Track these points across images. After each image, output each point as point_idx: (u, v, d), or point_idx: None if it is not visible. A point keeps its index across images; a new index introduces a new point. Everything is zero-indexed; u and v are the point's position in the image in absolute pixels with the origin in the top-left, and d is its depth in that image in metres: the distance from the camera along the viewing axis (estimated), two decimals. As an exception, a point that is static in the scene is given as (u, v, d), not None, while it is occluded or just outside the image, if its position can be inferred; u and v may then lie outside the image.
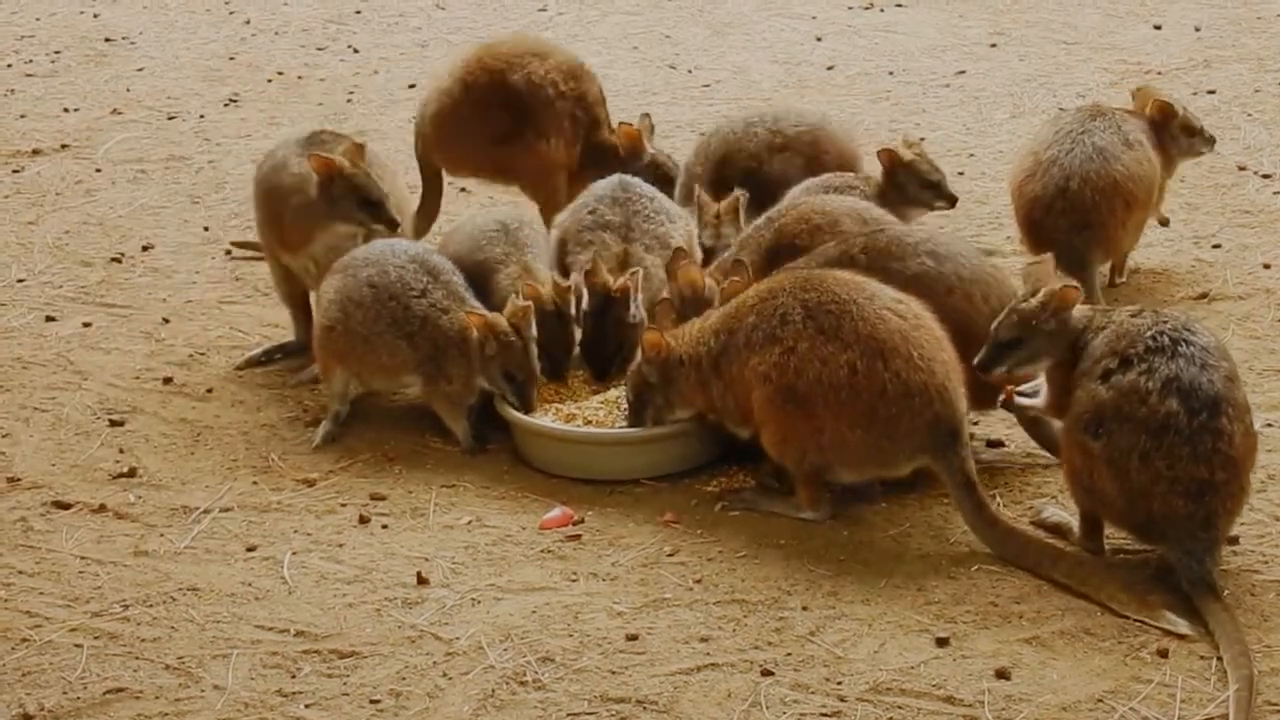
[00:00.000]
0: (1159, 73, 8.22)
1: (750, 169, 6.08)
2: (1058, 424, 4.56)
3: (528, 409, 5.01)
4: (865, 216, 5.26)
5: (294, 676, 4.06)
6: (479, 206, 6.74)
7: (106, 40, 9.52)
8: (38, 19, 9.97)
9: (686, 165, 6.30)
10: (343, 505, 4.84)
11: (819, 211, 5.29)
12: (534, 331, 5.07)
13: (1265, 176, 6.93)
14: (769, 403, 4.57)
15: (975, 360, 4.50)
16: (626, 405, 4.97)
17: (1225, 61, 8.40)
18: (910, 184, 5.83)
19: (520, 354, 5.00)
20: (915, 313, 4.58)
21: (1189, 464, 4.14)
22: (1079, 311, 4.43)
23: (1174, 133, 6.06)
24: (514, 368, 5.01)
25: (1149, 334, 4.26)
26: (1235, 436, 4.16)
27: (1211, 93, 7.91)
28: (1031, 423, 4.85)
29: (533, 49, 6.48)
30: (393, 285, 5.13)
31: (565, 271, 5.44)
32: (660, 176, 6.35)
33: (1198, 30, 8.91)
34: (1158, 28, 9.00)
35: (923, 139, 6.90)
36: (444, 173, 6.49)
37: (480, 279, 5.33)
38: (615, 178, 5.69)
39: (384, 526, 4.73)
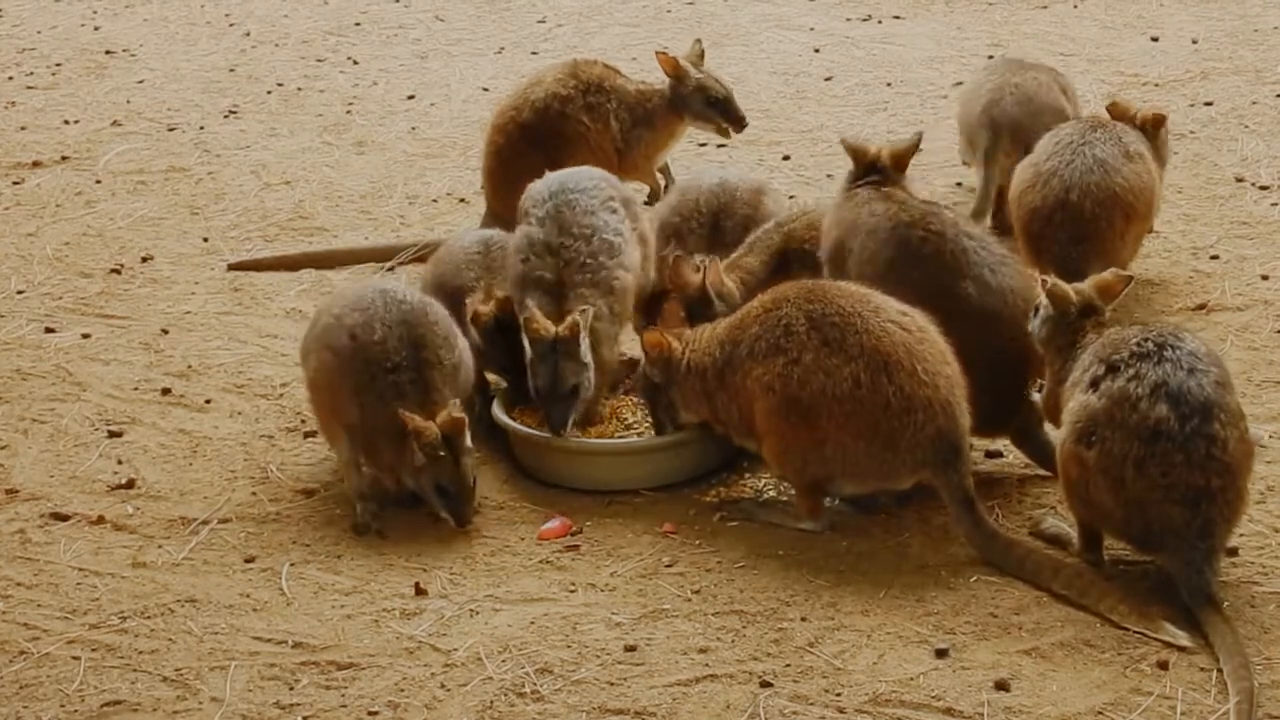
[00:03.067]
0: (1156, 84, 8.22)
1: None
2: (1051, 434, 4.60)
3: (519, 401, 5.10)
4: None
5: (292, 688, 4.06)
6: (477, 217, 6.74)
7: (107, 53, 9.53)
8: (39, 32, 9.98)
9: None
10: (341, 516, 4.84)
11: None
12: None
13: (1263, 188, 6.92)
14: (772, 413, 4.56)
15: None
16: (646, 412, 5.01)
17: (1222, 74, 8.39)
18: None
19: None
20: (920, 326, 4.58)
21: (1183, 471, 4.13)
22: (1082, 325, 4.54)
23: (1163, 139, 6.07)
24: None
25: (1134, 341, 4.29)
26: (1229, 442, 4.15)
27: (1209, 104, 7.91)
28: (1020, 436, 4.88)
29: (529, 82, 6.60)
30: None
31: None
32: (709, 100, 6.58)
33: (1195, 43, 8.91)
34: (1155, 40, 8.99)
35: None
36: None
37: (456, 307, 5.32)
38: (553, 207, 5.18)
39: (382, 537, 4.72)
